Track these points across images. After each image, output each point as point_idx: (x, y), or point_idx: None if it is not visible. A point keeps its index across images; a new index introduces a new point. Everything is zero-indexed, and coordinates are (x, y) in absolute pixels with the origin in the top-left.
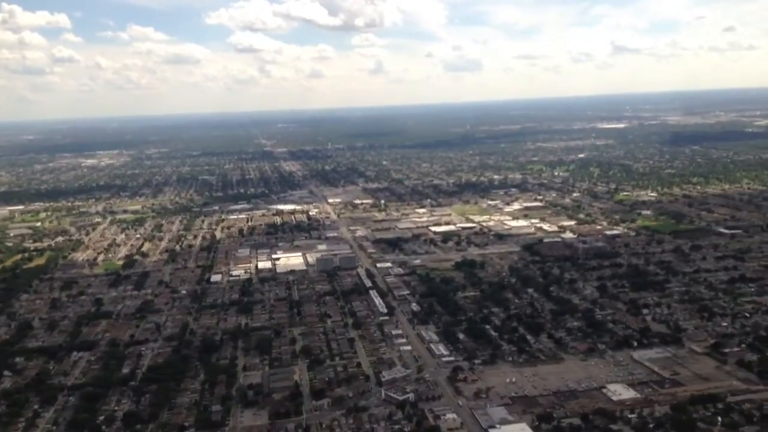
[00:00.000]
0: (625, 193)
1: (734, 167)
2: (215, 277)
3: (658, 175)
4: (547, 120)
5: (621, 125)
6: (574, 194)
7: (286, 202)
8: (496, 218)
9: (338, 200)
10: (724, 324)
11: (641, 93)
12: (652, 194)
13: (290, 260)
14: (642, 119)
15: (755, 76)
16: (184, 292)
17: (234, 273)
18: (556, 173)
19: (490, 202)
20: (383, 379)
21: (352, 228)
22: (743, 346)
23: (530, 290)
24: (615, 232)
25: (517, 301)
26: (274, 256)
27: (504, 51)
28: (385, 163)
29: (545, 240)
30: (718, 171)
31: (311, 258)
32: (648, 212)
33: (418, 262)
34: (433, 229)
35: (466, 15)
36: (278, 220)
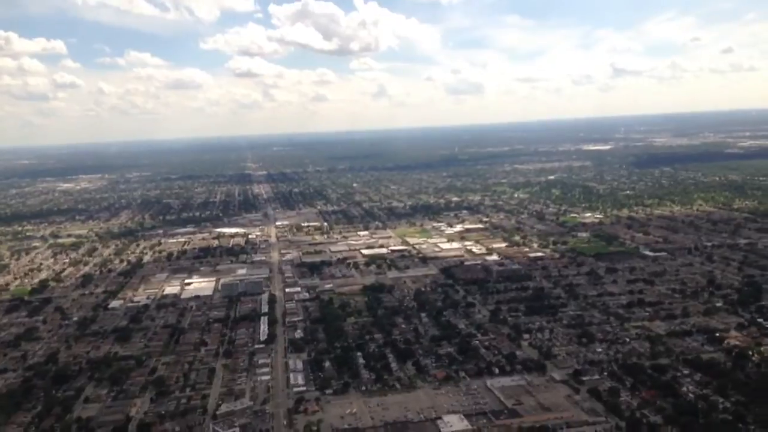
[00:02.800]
0: (572, 215)
1: (694, 189)
2: (115, 303)
3: (615, 196)
4: (536, 142)
5: (606, 147)
6: (522, 216)
7: (233, 225)
8: (432, 241)
9: (287, 223)
10: (599, 350)
11: (641, 115)
12: (598, 216)
13: (201, 285)
14: (630, 141)
15: (757, 98)
16: (75, 318)
17: (136, 299)
18: (516, 195)
19: (435, 224)
20: (218, 412)
21: (284, 251)
22: (605, 374)
23: (423, 315)
24: (538, 254)
25: (403, 326)
26: (186, 281)
27: (505, 74)
28: (355, 185)
29: (466, 263)
30: (676, 192)
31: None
32: (584, 234)
33: (329, 286)
34: (364, 252)
35: (467, 39)
36: (215, 243)
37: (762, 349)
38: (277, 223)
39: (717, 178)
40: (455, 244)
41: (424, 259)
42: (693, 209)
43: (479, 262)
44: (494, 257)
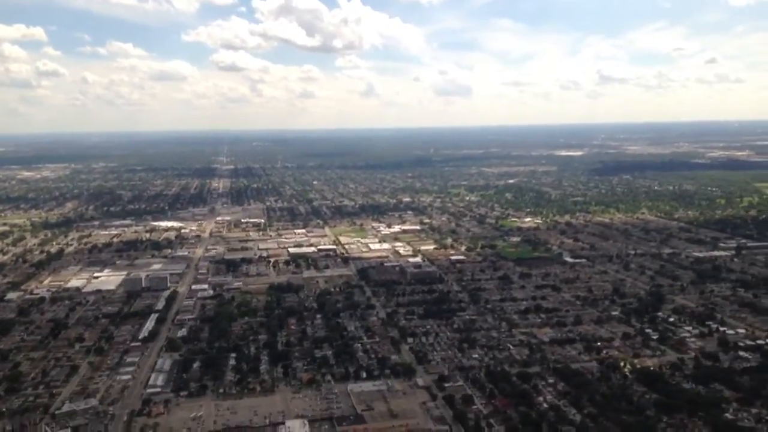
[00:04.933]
0: (512, 219)
1: (645, 197)
2: (12, 295)
3: (564, 202)
4: (514, 146)
5: (578, 153)
6: (465, 219)
7: (175, 219)
8: (364, 241)
9: (228, 218)
10: (475, 356)
11: (626, 123)
12: (537, 221)
13: (109, 279)
14: (604, 148)
15: (742, 109)
16: None
17: (36, 291)
18: (468, 198)
19: (375, 224)
20: (58, 412)
21: (210, 247)
22: (468, 381)
23: (319, 316)
24: (460, 257)
25: (293, 327)
26: (95, 275)
27: (494, 77)
28: (315, 182)
29: (386, 264)
30: (625, 200)
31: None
32: (515, 239)
33: (238, 284)
34: (291, 250)
35: (455, 41)
36: (145, 236)
37: (636, 361)
38: (218, 219)
39: (671, 188)
40: (385, 245)
41: (347, 260)
42: (633, 217)
43: (398, 263)
44: (417, 259)
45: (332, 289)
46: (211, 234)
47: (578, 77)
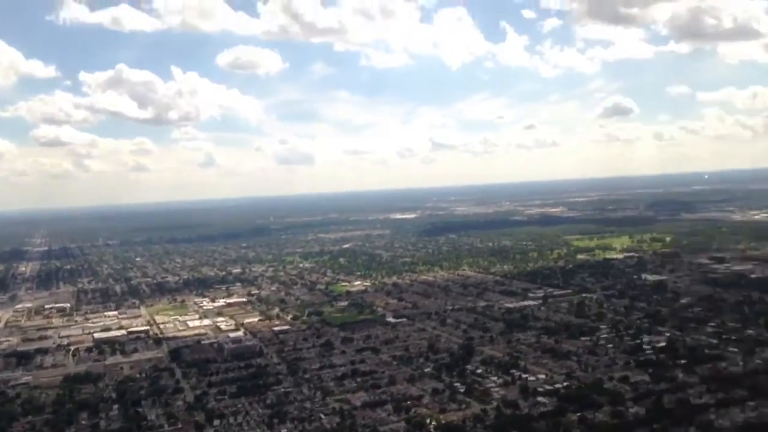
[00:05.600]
0: (342, 284)
1: (467, 254)
2: None
3: (394, 263)
4: (353, 211)
5: (412, 216)
6: (295, 287)
7: None
8: (183, 318)
9: (29, 305)
10: (284, 431)
11: (458, 186)
12: (366, 283)
13: None
14: (435, 210)
15: (559, 170)
16: None
17: None
18: (301, 265)
19: (198, 300)
20: None
21: (2, 339)
22: None
23: (116, 407)
24: (284, 327)
25: (84, 423)
26: None
27: (335, 145)
28: (138, 259)
29: (203, 342)
30: (449, 258)
31: None
32: (343, 303)
33: (27, 379)
34: (97, 335)
35: (295, 112)
36: None
37: (443, 416)
38: (18, 306)
39: (490, 244)
40: (206, 321)
41: (159, 341)
42: (455, 274)
43: (216, 340)
44: (238, 333)
45: (137, 375)
46: (6, 324)
47: (413, 144)
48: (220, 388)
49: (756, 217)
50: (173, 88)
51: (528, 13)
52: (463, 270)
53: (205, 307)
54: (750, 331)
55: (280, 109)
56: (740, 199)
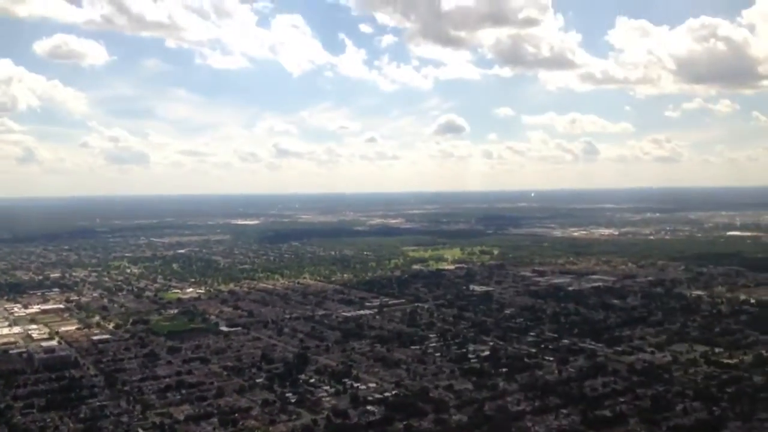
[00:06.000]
0: (173, 291)
1: (309, 262)
2: None
3: (232, 270)
4: (191, 215)
5: (254, 222)
6: (121, 293)
7: None
8: None
9: None
10: None
11: (303, 194)
12: (200, 291)
13: None
14: (279, 217)
15: (400, 183)
16: None
17: None
18: (129, 270)
19: (8, 306)
20: None
21: None
22: None
23: None
24: (105, 337)
25: None
26: None
27: (171, 146)
28: None
29: (11, 351)
30: (290, 266)
31: None
32: (173, 311)
33: None
34: None
35: (126, 108)
36: None
37: (272, 428)
38: None
39: (333, 253)
40: (16, 329)
41: None
42: (295, 282)
43: (25, 349)
44: (52, 342)
45: None
46: None
47: (257, 150)
48: (28, 401)
49: (575, 234)
50: None
51: (365, 28)
52: (304, 278)
53: (16, 314)
54: (565, 341)
55: (108, 104)
56: (561, 217)
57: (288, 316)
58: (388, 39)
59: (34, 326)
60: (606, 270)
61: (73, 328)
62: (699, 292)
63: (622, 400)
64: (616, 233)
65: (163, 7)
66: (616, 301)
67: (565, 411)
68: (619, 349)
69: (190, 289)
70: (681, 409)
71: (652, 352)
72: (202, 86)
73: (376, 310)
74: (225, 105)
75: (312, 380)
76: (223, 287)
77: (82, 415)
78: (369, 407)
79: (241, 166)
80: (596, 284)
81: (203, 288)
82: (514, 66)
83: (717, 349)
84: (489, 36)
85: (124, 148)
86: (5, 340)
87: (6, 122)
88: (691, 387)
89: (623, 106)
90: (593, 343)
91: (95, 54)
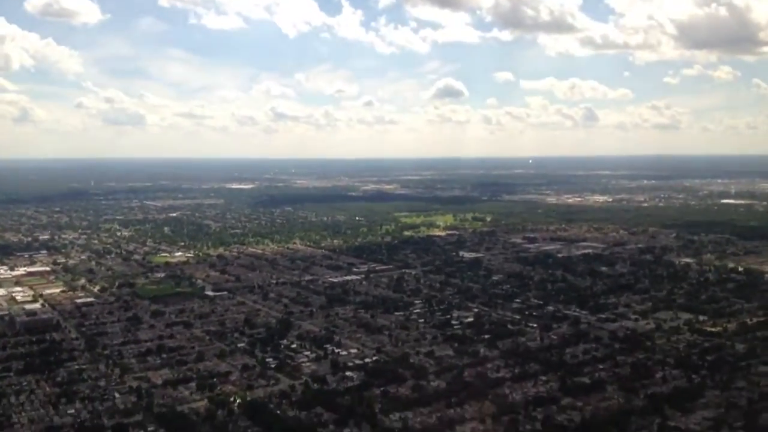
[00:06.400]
0: (162, 255)
1: (300, 227)
2: None
3: (223, 235)
4: (185, 179)
5: (249, 186)
6: (110, 256)
7: None
8: None
9: None
10: (71, 412)
11: (301, 158)
12: (189, 255)
13: None
14: (275, 182)
15: (398, 148)
16: None
17: None
18: (120, 233)
19: None
20: None
21: None
22: None
23: None
24: (89, 300)
25: None
26: None
27: (168, 107)
28: None
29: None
30: (281, 231)
31: None
32: (160, 275)
33: None
34: None
35: (121, 67)
36: None
37: (249, 393)
38: None
39: (325, 218)
40: (1, 291)
41: None
42: (285, 247)
43: (6, 312)
44: (36, 305)
45: None
46: None
47: (254, 113)
48: (5, 364)
49: (569, 200)
50: None
51: None
52: (294, 243)
53: (1, 276)
54: (550, 308)
55: (103, 64)
56: (557, 184)
57: (274, 282)
58: (384, 0)
59: (18, 289)
60: (596, 237)
61: (58, 290)
62: (688, 260)
63: (601, 367)
64: (610, 200)
65: None
66: (604, 269)
67: (544, 378)
68: (603, 316)
69: (179, 253)
70: (660, 377)
71: (636, 320)
72: (197, 46)
73: (363, 275)
74: (221, 66)
75: (293, 345)
76: (212, 251)
77: (59, 379)
78: (348, 373)
79: (238, 130)
80: (586, 251)
81: (192, 252)
82: (513, 29)
83: (702, 317)
84: None
85: (119, 110)
86: None
87: (1, 81)
88: (673, 355)
89: (623, 71)
90: (578, 310)
91: (88, 12)
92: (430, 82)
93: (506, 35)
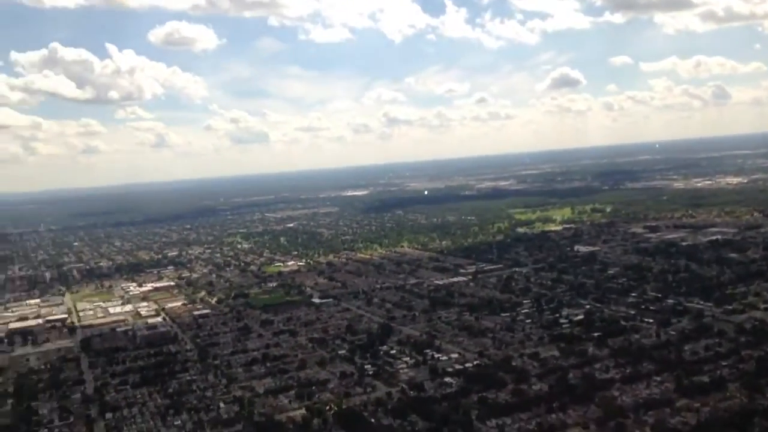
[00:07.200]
0: (276, 264)
1: (410, 230)
2: None
3: (334, 242)
4: (304, 190)
5: (363, 192)
6: (229, 268)
7: None
8: (105, 305)
9: None
10: (177, 423)
11: (416, 161)
12: (300, 263)
13: None
14: (388, 186)
15: (515, 142)
16: None
17: None
18: (240, 245)
19: (125, 285)
20: None
21: None
22: None
23: (11, 402)
24: (205, 311)
25: None
26: None
27: (288, 123)
28: (76, 243)
29: (119, 329)
30: (390, 235)
31: None
32: (272, 284)
33: None
34: (12, 325)
35: (244, 89)
36: None
37: (346, 401)
38: None
39: (435, 220)
40: (128, 307)
41: (73, 329)
42: (392, 251)
43: (130, 327)
44: (158, 319)
45: (41, 367)
46: None
47: (368, 120)
48: (123, 378)
49: (698, 184)
50: (110, 67)
51: None
52: (402, 247)
53: (131, 292)
54: (669, 301)
55: (225, 86)
56: (686, 167)
57: (379, 286)
58: None
59: (144, 304)
60: (727, 222)
61: (179, 304)
62: None
63: (724, 364)
64: (745, 181)
65: None
66: (733, 255)
67: (658, 378)
68: (730, 307)
69: (291, 262)
70: None
71: (766, 310)
72: (310, 61)
73: (470, 277)
74: (333, 78)
75: (393, 351)
76: (322, 259)
77: (170, 390)
78: (447, 379)
79: (353, 138)
80: (714, 238)
81: (304, 260)
82: (626, 11)
83: None
84: None
85: (244, 129)
86: (115, 318)
87: (136, 110)
88: None
89: (753, 44)
90: (701, 302)
91: (205, 38)
92: (545, 73)
93: (619, 18)
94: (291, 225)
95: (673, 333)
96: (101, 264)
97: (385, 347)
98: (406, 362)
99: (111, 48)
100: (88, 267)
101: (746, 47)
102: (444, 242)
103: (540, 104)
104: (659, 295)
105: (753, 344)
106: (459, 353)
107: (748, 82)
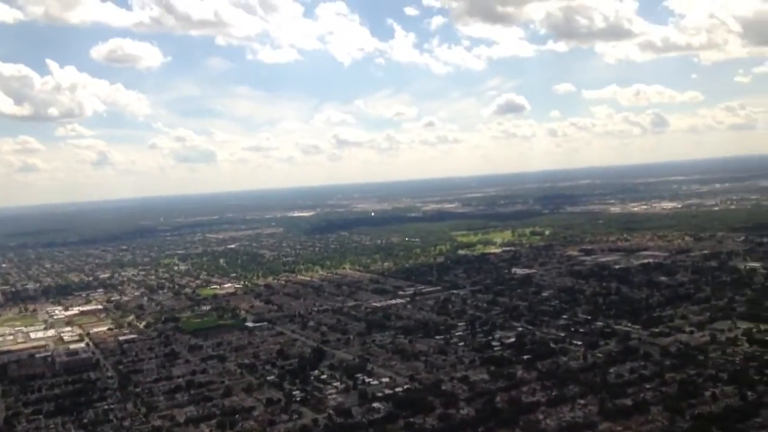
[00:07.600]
0: (212, 287)
1: (354, 252)
2: None
3: (275, 264)
4: (251, 210)
5: (309, 213)
6: (162, 291)
7: None
8: (26, 330)
9: None
10: None
11: (366, 183)
12: (237, 286)
13: None
14: (336, 207)
15: (462, 166)
16: None
17: None
18: (177, 267)
19: (50, 309)
20: None
21: None
22: None
23: None
24: (130, 337)
25: None
26: None
27: (236, 143)
28: (4, 265)
29: (38, 355)
30: (332, 257)
31: None
32: (206, 308)
33: None
34: None
35: (191, 108)
36: None
37: (269, 429)
38: None
39: (379, 241)
40: (51, 332)
41: None
42: (333, 273)
43: (49, 353)
44: (81, 344)
45: None
46: None
47: (317, 141)
48: (37, 407)
49: (634, 209)
50: (51, 83)
51: (411, 11)
52: (344, 268)
53: (56, 316)
54: (598, 323)
55: (171, 105)
56: (624, 192)
57: (316, 309)
58: (436, 20)
59: (68, 329)
60: (660, 245)
61: (105, 329)
62: (754, 264)
63: (648, 386)
64: (679, 206)
65: (208, 4)
66: (663, 278)
67: (582, 401)
68: (656, 330)
69: (228, 285)
70: (710, 395)
71: (691, 332)
72: (258, 81)
73: (408, 299)
74: (282, 99)
75: (323, 376)
76: (261, 281)
77: (85, 420)
78: (375, 404)
79: (303, 159)
80: (646, 261)
81: (242, 283)
82: (568, 40)
83: (763, 326)
84: (538, 10)
85: (190, 148)
86: (35, 344)
87: (76, 128)
88: (727, 369)
89: (689, 73)
90: (629, 324)
91: (150, 56)
92: (491, 99)
93: (562, 46)
94: (232, 246)
95: (600, 355)
96: (28, 286)
97: (316, 372)
98: (336, 387)
99: (52, 64)
100: (13, 289)
101: (683, 77)
102: (386, 264)
103: (486, 129)
104: (589, 318)
105: (677, 367)
106: (390, 377)
107: (685, 110)
